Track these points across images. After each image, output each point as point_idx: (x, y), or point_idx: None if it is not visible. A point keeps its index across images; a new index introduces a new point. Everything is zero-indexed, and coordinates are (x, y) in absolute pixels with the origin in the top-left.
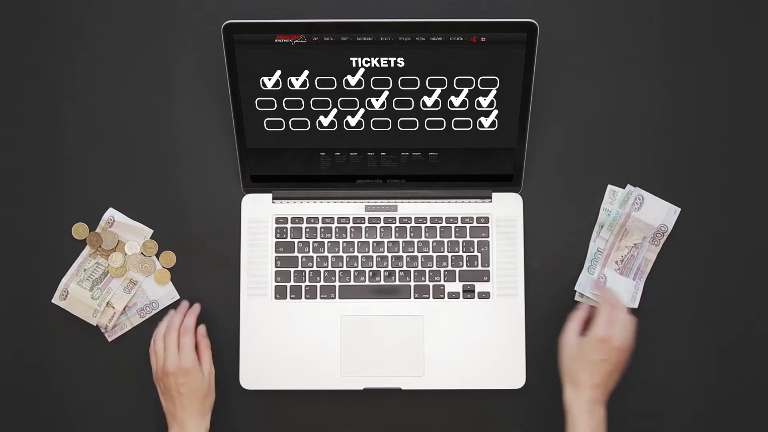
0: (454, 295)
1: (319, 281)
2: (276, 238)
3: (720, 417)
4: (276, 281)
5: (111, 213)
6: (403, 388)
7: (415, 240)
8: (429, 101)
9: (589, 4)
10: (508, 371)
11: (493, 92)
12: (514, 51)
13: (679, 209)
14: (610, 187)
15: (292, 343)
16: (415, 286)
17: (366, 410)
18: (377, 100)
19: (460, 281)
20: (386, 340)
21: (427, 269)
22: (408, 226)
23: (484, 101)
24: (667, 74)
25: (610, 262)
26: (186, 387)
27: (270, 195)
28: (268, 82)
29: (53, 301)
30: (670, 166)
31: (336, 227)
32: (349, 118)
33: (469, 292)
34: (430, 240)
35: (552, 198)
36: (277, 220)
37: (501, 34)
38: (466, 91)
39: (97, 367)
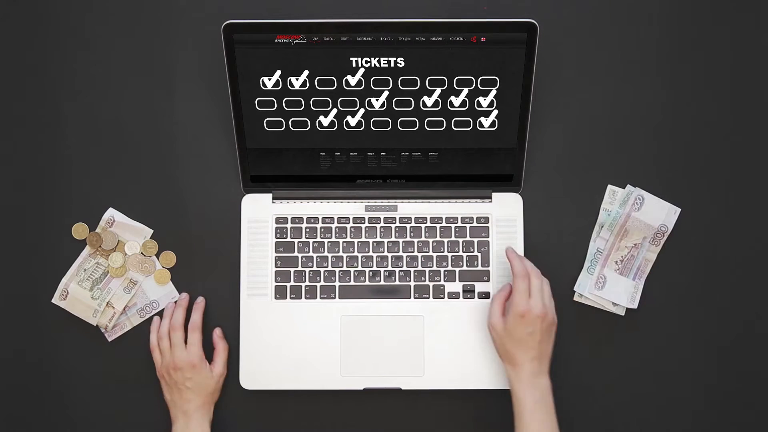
0: (454, 295)
1: (319, 281)
2: (276, 238)
3: (720, 417)
4: (276, 281)
5: (111, 213)
6: (402, 388)
7: (415, 240)
8: (429, 101)
9: (589, 4)
10: None
11: (493, 92)
12: (514, 51)
13: (679, 209)
14: (610, 187)
15: (292, 343)
16: (415, 286)
17: (366, 410)
18: (377, 100)
19: (460, 281)
20: (386, 340)
21: (427, 269)
22: (408, 226)
23: (484, 101)
24: (667, 74)
25: (609, 262)
26: (192, 381)
27: (270, 195)
28: (268, 82)
29: (53, 301)
30: (670, 166)
31: (336, 227)
32: (349, 118)
33: (469, 292)
34: (430, 240)
35: (552, 198)
36: (277, 220)
37: (501, 34)
38: (466, 91)
39: (97, 367)
